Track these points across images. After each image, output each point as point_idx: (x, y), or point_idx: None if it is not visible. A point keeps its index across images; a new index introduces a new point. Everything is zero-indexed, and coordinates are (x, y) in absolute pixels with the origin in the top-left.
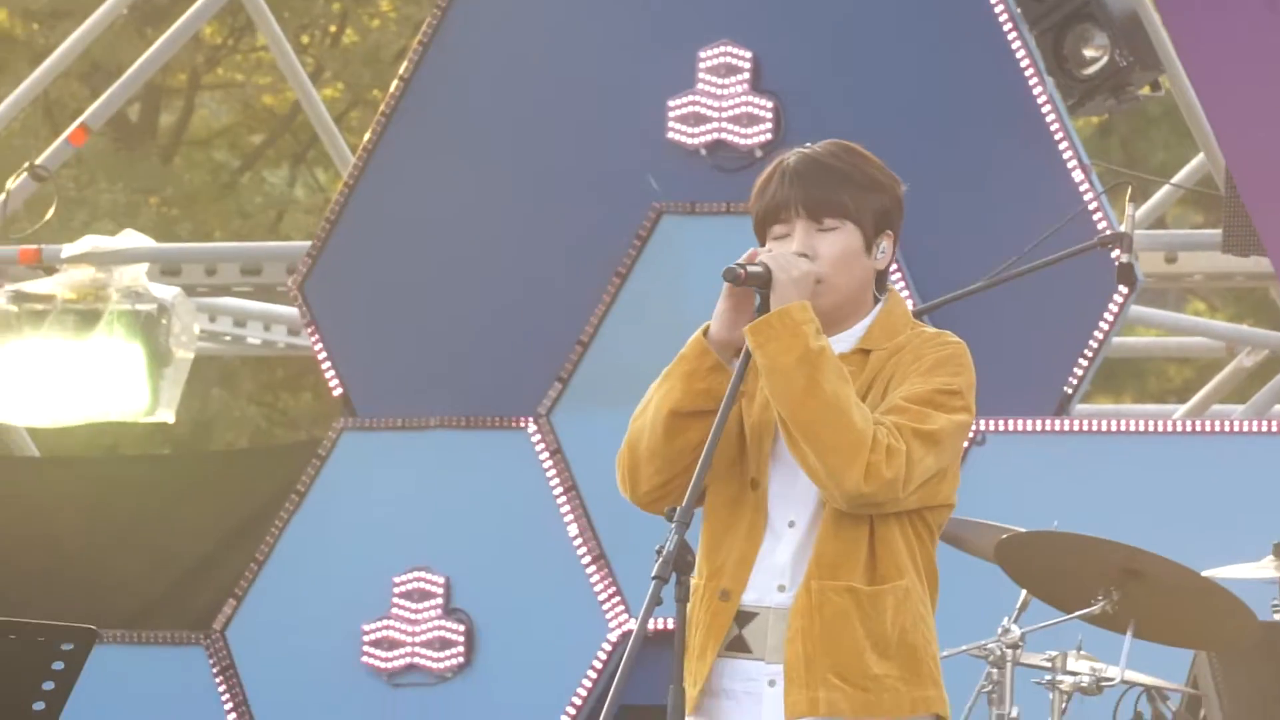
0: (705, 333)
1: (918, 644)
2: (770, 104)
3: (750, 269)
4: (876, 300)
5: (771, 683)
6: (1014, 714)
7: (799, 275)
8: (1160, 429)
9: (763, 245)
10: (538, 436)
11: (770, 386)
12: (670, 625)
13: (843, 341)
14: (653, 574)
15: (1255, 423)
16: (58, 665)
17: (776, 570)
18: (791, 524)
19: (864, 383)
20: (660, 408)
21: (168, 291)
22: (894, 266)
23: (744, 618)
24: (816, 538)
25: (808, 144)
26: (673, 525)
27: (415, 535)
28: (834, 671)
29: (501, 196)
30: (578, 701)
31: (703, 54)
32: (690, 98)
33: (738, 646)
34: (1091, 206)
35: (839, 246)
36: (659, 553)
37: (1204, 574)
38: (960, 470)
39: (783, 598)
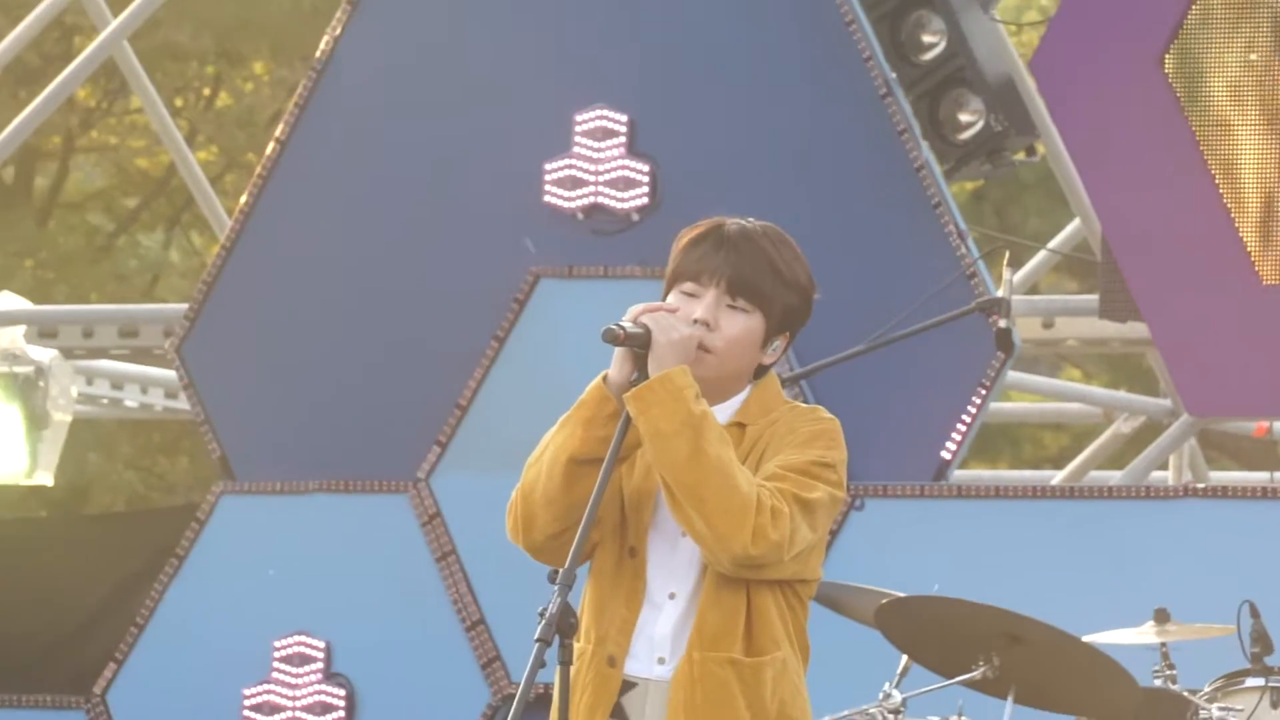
0: (604, 379)
1: (795, 716)
2: (647, 167)
3: (630, 329)
4: (750, 382)
5: None
6: None
7: (679, 339)
8: (1040, 494)
9: (667, 295)
10: (417, 500)
11: (653, 452)
12: (551, 689)
13: (719, 414)
14: (536, 636)
15: (1134, 488)
16: None
17: (656, 642)
18: (672, 596)
19: (741, 454)
20: (559, 455)
21: (45, 354)
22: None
23: (624, 686)
24: (699, 608)
25: (748, 219)
26: (555, 588)
27: (295, 599)
28: None
29: (379, 259)
30: None
31: (579, 117)
32: (567, 161)
33: (618, 714)
34: (969, 272)
35: (740, 329)
36: (542, 615)
37: (1085, 639)
38: (833, 542)
39: (662, 670)
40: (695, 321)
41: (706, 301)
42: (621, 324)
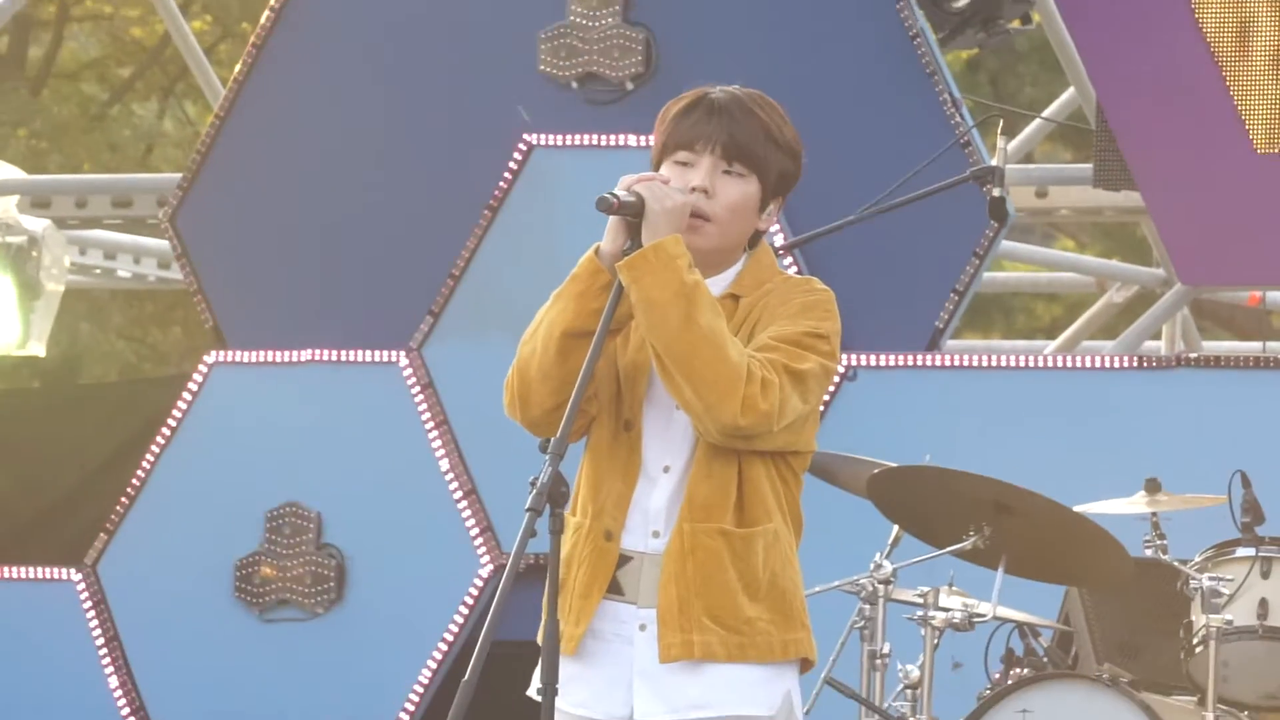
0: (596, 251)
1: (787, 587)
2: (641, 36)
3: (624, 197)
4: (745, 251)
5: (642, 627)
6: (886, 650)
7: (673, 206)
8: (1032, 364)
9: (658, 168)
10: (409, 370)
11: (645, 321)
12: (542, 560)
13: (713, 286)
14: (526, 506)
15: (1127, 358)
16: None
17: (651, 515)
18: (666, 469)
19: (733, 326)
20: (553, 329)
21: (38, 224)
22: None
23: (621, 560)
24: (689, 481)
25: (734, 86)
26: (547, 457)
27: (286, 470)
28: (708, 614)
29: (373, 129)
30: (449, 637)
31: None
32: (561, 29)
33: (612, 589)
34: (963, 141)
35: (738, 194)
36: (533, 484)
37: (1076, 509)
38: (826, 413)
39: (657, 543)
40: (693, 190)
41: (703, 168)
42: (615, 192)
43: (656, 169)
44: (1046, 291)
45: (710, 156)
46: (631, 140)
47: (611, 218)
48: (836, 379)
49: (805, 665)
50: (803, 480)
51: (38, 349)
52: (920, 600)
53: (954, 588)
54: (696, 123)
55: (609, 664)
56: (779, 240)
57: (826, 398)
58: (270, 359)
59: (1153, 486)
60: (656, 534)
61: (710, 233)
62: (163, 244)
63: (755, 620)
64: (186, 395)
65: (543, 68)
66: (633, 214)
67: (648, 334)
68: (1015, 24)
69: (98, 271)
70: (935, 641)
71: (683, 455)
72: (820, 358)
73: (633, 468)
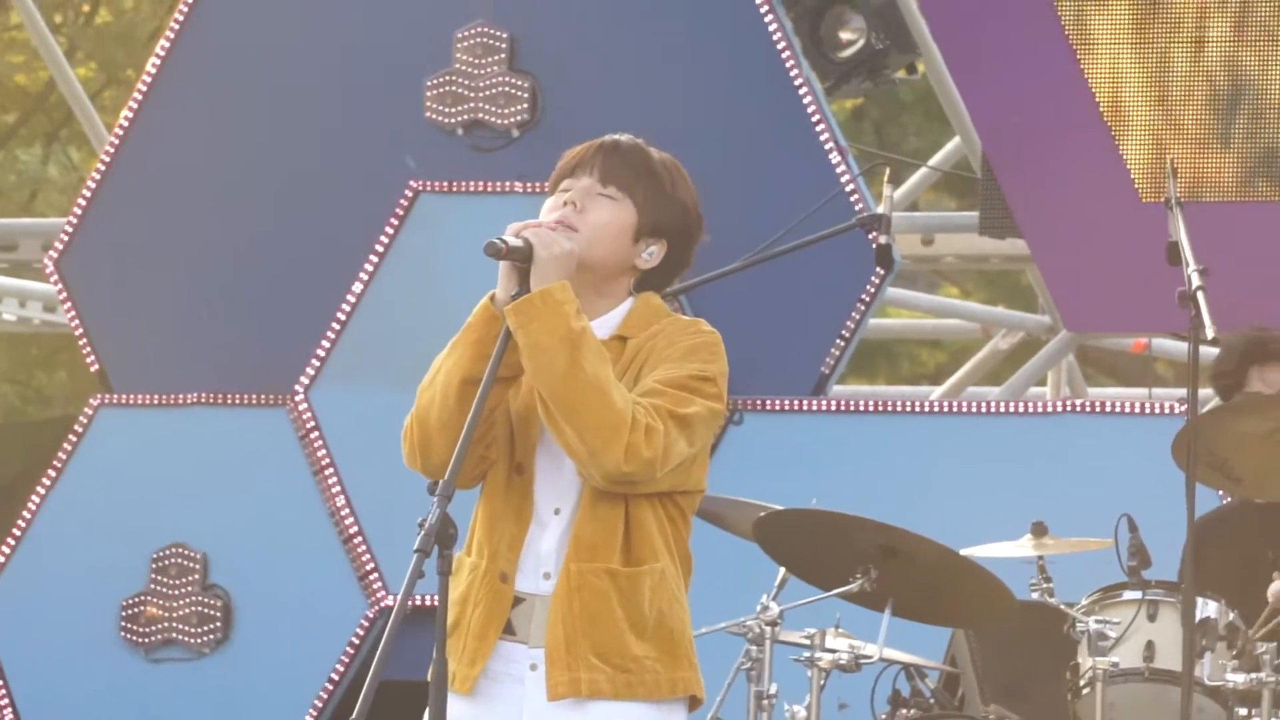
0: (492, 299)
1: (675, 626)
2: (527, 84)
3: (511, 243)
4: (631, 294)
5: (533, 666)
6: (772, 691)
7: (560, 253)
8: (918, 409)
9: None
10: (295, 414)
11: (531, 366)
12: (430, 601)
13: (600, 328)
14: (415, 547)
15: (1013, 404)
16: None
17: (543, 558)
18: (557, 511)
19: (620, 369)
20: (451, 377)
21: None
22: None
23: (515, 601)
24: (575, 521)
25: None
26: (435, 499)
27: (173, 511)
28: (595, 652)
29: (259, 173)
30: (335, 677)
31: (459, 33)
32: (447, 77)
33: (506, 630)
34: (849, 188)
35: (608, 213)
36: (421, 526)
37: (962, 553)
38: (713, 454)
39: (548, 585)
40: (565, 204)
41: (577, 187)
42: (504, 238)
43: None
44: (932, 338)
45: (588, 178)
46: (518, 187)
47: (502, 264)
48: (723, 423)
49: (693, 704)
50: (691, 520)
51: None
52: (807, 642)
53: (840, 629)
54: (581, 154)
55: (500, 703)
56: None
57: (714, 441)
58: (156, 401)
59: (1039, 530)
60: (547, 575)
61: (576, 241)
62: (48, 288)
63: (643, 659)
64: (72, 438)
65: (429, 115)
66: (521, 259)
67: (534, 379)
68: (901, 73)
69: None
70: (822, 683)
71: (572, 497)
72: (706, 400)
73: (525, 511)
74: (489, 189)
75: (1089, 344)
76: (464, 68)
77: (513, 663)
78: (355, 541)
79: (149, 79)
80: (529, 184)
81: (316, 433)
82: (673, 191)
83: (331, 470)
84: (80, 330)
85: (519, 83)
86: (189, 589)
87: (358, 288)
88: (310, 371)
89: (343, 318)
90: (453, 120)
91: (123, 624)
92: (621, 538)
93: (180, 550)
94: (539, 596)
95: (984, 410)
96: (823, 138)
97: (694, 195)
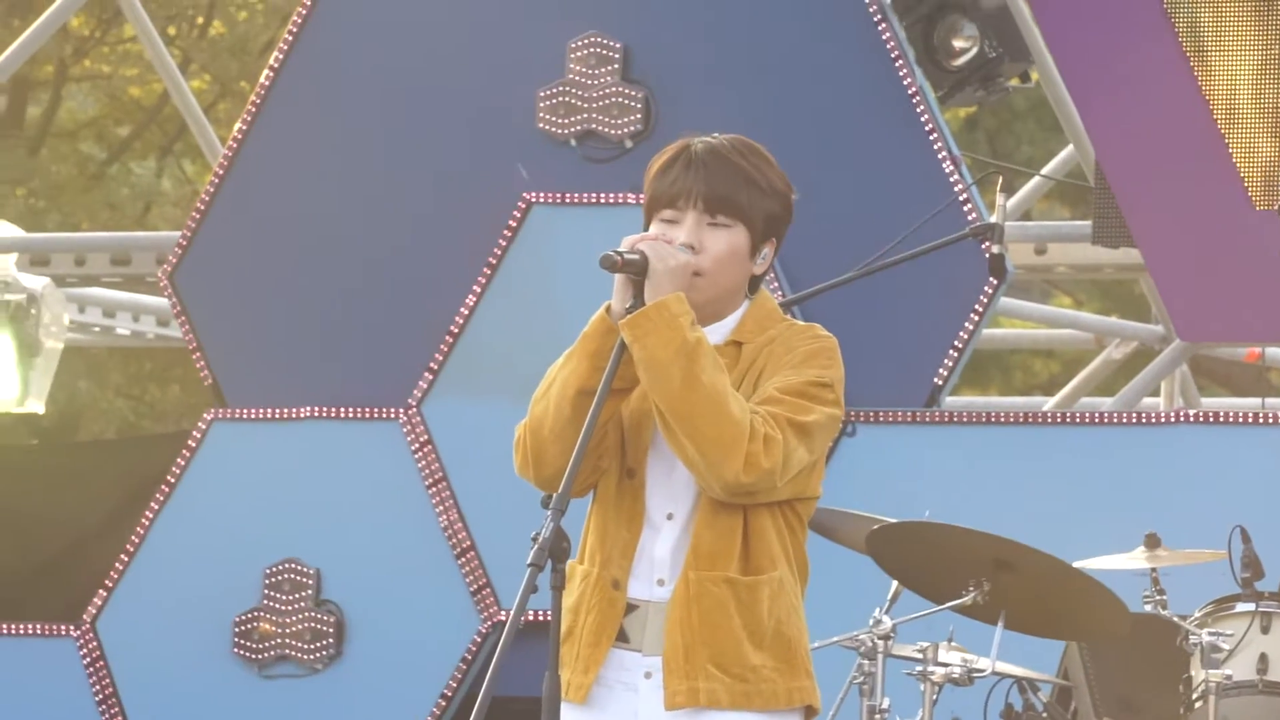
0: (608, 310)
1: (792, 635)
2: (640, 94)
3: (627, 256)
4: (746, 297)
5: (648, 675)
6: (885, 705)
7: (675, 266)
8: (1031, 420)
9: (648, 225)
10: (408, 427)
11: (648, 379)
12: (542, 616)
13: (715, 334)
14: (528, 561)
15: (1126, 414)
16: None
17: (656, 563)
18: (670, 516)
19: (737, 375)
20: (566, 387)
21: (37, 281)
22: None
23: (627, 608)
24: (694, 529)
25: (714, 134)
26: (548, 513)
27: (285, 526)
28: (713, 662)
29: (372, 186)
30: (448, 693)
31: (572, 44)
32: (560, 87)
33: (619, 637)
34: (962, 198)
35: (725, 245)
36: (534, 540)
37: (1075, 565)
38: (828, 462)
39: (662, 591)
40: (682, 246)
41: (687, 224)
42: (619, 250)
43: (647, 226)
44: (1045, 348)
45: (693, 211)
46: (630, 198)
47: (617, 276)
48: (834, 437)
49: (809, 713)
50: (807, 528)
51: (37, 406)
52: (920, 655)
53: (953, 643)
54: (676, 179)
55: (615, 712)
56: (777, 297)
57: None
58: (269, 415)
59: (1152, 542)
60: (661, 582)
61: (702, 286)
62: (161, 301)
63: (760, 668)
64: (185, 452)
65: (541, 125)
66: (636, 272)
67: (651, 392)
68: (1014, 82)
69: (96, 329)
70: (934, 697)
71: (686, 503)
72: (825, 407)
73: (636, 516)
74: (602, 200)
75: (1202, 354)
76: (577, 78)
77: (626, 670)
78: (468, 556)
79: (262, 91)
80: (642, 195)
81: (430, 446)
82: (769, 187)
83: (445, 484)
84: (194, 344)
85: (632, 93)
86: (302, 605)
87: (470, 300)
88: (423, 384)
89: (456, 330)
90: (566, 131)
91: (236, 640)
92: (740, 546)
93: (293, 566)
94: (653, 603)
95: (1097, 421)
96: (936, 146)
97: (779, 171)
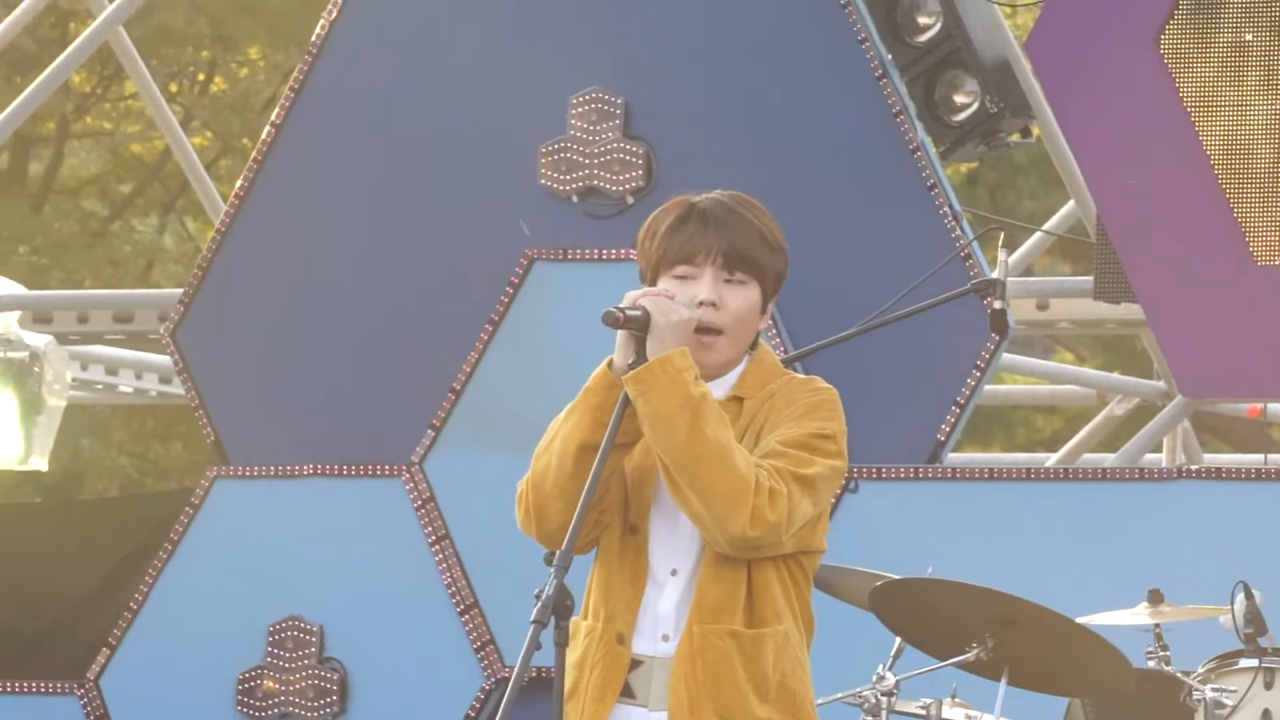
0: (610, 365)
1: (798, 689)
2: (642, 150)
3: (629, 312)
4: (747, 353)
5: None
6: None
7: (679, 321)
8: (1034, 476)
9: (652, 282)
10: (410, 485)
11: (652, 434)
12: (546, 672)
13: (717, 389)
14: (532, 618)
15: (1128, 470)
16: None
17: (660, 619)
18: (674, 573)
19: (739, 430)
20: (568, 443)
21: (39, 339)
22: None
23: (632, 664)
24: (698, 583)
25: (714, 190)
26: (552, 569)
27: (289, 583)
28: (718, 715)
29: (373, 243)
30: None
31: (574, 99)
32: (562, 143)
33: (624, 693)
34: (963, 254)
35: (744, 302)
36: (538, 597)
37: (1078, 621)
38: (831, 517)
39: (667, 646)
40: (701, 304)
41: (706, 280)
42: (621, 307)
43: (651, 283)
44: (1047, 404)
45: (712, 267)
46: (632, 254)
47: (620, 332)
48: (838, 490)
49: None
50: (812, 581)
51: (40, 464)
52: (923, 712)
53: (957, 699)
54: (693, 235)
55: None
56: (779, 354)
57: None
58: (272, 473)
59: (1155, 598)
60: (666, 637)
61: (722, 346)
62: (164, 359)
63: None
64: (189, 510)
65: (543, 181)
66: (638, 328)
67: (655, 446)
68: (1015, 137)
69: (99, 387)
70: None
71: (690, 558)
72: (828, 459)
73: (640, 572)
74: (604, 256)
75: (1204, 409)
76: (578, 134)
77: None
78: (472, 613)
79: (264, 148)
80: None
81: (432, 503)
82: (776, 244)
83: (447, 541)
84: (196, 402)
85: (634, 149)
86: (306, 662)
87: (473, 356)
88: (426, 441)
89: (458, 386)
90: (567, 187)
91: (239, 697)
92: (744, 599)
93: (297, 623)
94: (657, 659)
95: (1099, 477)
96: (937, 202)
97: (777, 224)
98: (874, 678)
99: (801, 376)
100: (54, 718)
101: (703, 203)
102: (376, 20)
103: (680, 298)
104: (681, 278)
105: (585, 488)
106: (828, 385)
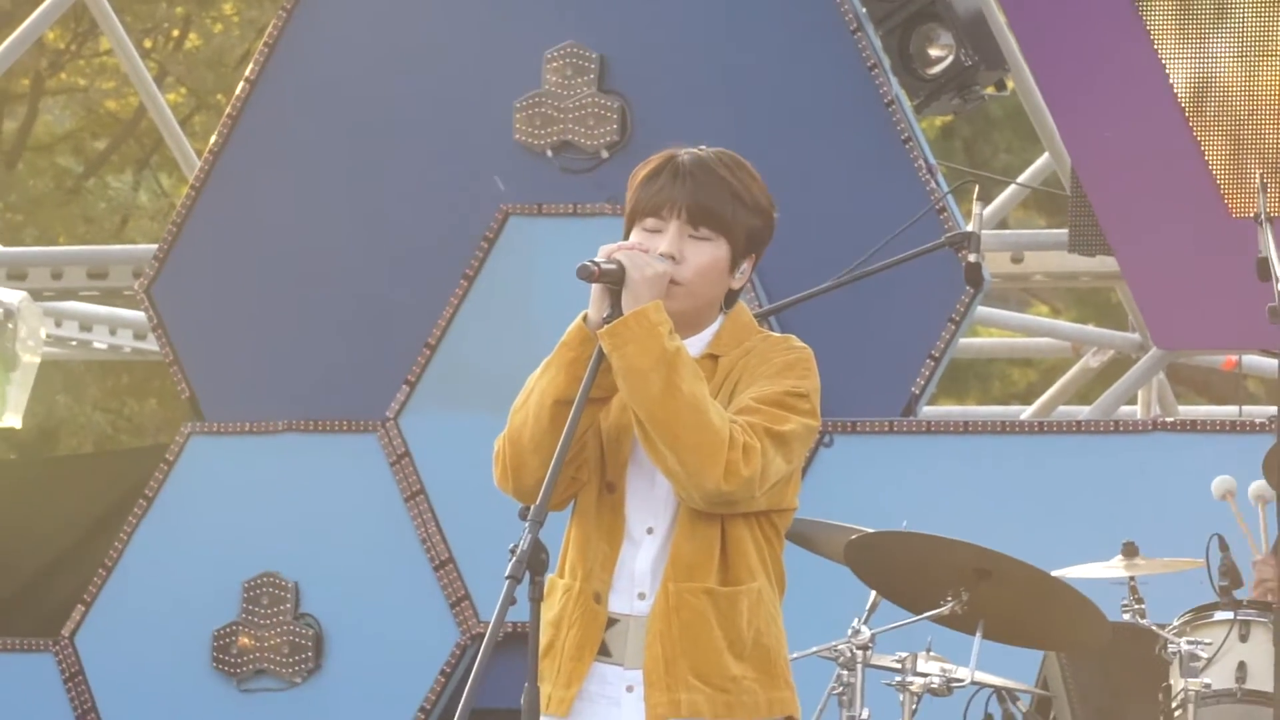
0: (585, 319)
1: (771, 646)
2: (617, 104)
3: (604, 266)
4: (723, 311)
5: (629, 688)
6: (864, 715)
7: (653, 275)
8: (1009, 429)
9: (629, 234)
10: (386, 440)
11: (627, 388)
12: (521, 627)
13: (691, 347)
14: (506, 573)
15: (1103, 423)
16: None
17: (636, 578)
18: (650, 531)
19: (714, 387)
20: (544, 397)
21: (13, 295)
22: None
23: (608, 622)
24: (673, 541)
25: (701, 146)
26: (527, 524)
27: (263, 540)
28: (694, 673)
29: (348, 198)
30: (427, 706)
31: (549, 54)
32: (536, 98)
33: (601, 651)
34: (938, 206)
35: (707, 257)
36: (512, 552)
37: (1053, 574)
38: (805, 473)
39: (643, 605)
40: (661, 256)
41: (669, 234)
42: (595, 260)
43: (628, 235)
44: (1022, 357)
45: (676, 221)
46: (607, 208)
47: (595, 285)
48: (811, 448)
49: None
50: (784, 539)
51: (14, 421)
52: (898, 666)
53: (932, 653)
54: (662, 188)
55: None
56: (754, 308)
57: (803, 463)
58: (247, 429)
59: (1130, 550)
60: (642, 595)
61: (680, 295)
62: (139, 315)
63: (741, 679)
64: (164, 466)
65: (518, 136)
66: (613, 282)
67: (630, 401)
68: (990, 90)
69: (74, 343)
70: (914, 707)
71: (666, 517)
72: (801, 417)
73: (616, 530)
74: (578, 210)
75: (1179, 361)
76: (553, 89)
77: (608, 684)
78: (447, 568)
79: (238, 104)
80: (619, 206)
81: (407, 459)
82: (753, 202)
83: (422, 496)
84: (171, 358)
85: (608, 103)
86: (281, 618)
87: (447, 311)
88: (400, 397)
89: (433, 342)
90: (542, 142)
91: (215, 654)
92: (719, 557)
93: (272, 579)
94: (634, 617)
95: (1074, 429)
96: (912, 155)
97: (763, 187)
98: (849, 632)
99: (777, 335)
100: (29, 675)
101: (681, 156)
102: None
103: (638, 242)
104: (650, 230)
105: (559, 445)
106: (803, 344)
